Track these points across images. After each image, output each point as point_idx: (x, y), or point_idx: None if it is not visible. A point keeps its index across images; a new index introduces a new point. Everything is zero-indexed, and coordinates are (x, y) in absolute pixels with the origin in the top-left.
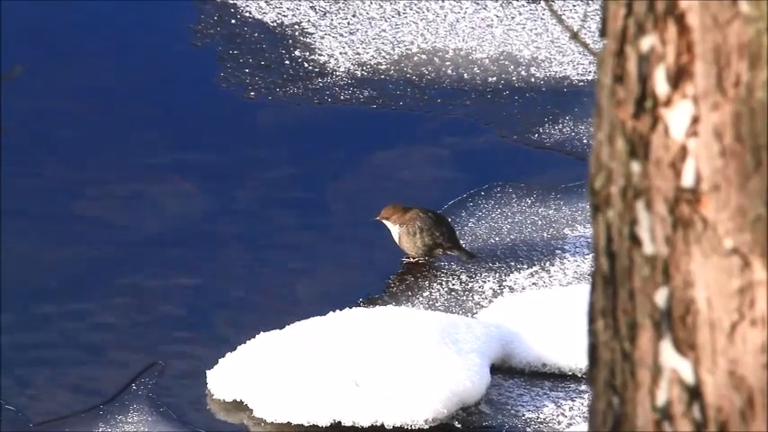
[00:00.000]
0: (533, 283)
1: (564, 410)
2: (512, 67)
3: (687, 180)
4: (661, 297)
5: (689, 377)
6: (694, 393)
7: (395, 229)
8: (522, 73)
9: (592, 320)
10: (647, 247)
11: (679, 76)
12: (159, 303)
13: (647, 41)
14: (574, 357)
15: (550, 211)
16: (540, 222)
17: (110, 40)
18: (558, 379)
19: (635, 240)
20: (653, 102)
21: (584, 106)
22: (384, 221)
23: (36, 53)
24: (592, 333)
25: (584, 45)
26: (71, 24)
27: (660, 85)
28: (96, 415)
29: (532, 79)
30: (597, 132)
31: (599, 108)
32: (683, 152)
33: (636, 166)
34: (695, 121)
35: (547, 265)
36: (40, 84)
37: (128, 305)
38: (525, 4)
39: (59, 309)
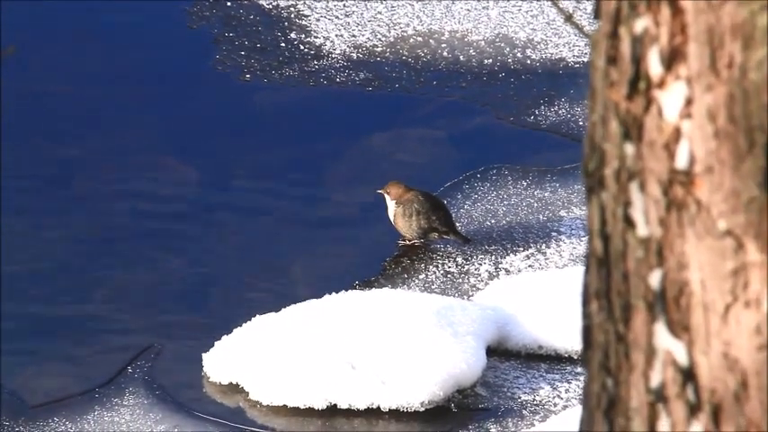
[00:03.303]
0: (529, 266)
1: (560, 392)
2: (507, 48)
3: (681, 162)
4: (655, 279)
5: (683, 359)
6: (688, 375)
7: (391, 206)
8: (518, 55)
9: (586, 302)
10: (641, 229)
11: (672, 58)
12: (155, 286)
13: (641, 23)
14: (570, 339)
15: (546, 194)
16: (535, 204)
17: (106, 23)
18: (554, 361)
19: (629, 222)
20: (646, 83)
21: (580, 88)
22: (385, 195)
23: (32, 36)
24: (586, 315)
25: (579, 27)
26: (67, 7)
27: (654, 66)
28: (92, 397)
29: (528, 61)
30: (591, 114)
31: (593, 90)
32: (677, 134)
33: (629, 148)
34: (689, 102)
35: (543, 247)
36: (35, 66)
37: (123, 288)
38: None
39: (55, 291)
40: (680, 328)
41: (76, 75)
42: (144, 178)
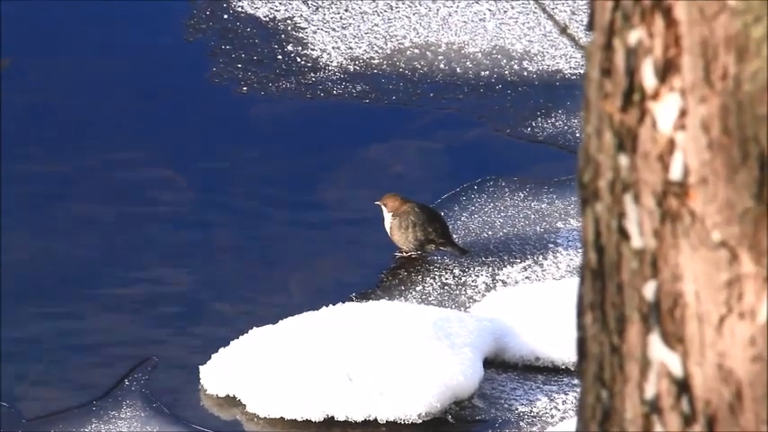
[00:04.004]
0: (526, 277)
1: (557, 404)
2: (504, 60)
3: (675, 173)
4: (649, 290)
5: (677, 370)
6: (683, 386)
7: (388, 219)
8: (515, 67)
9: (580, 314)
10: (636, 241)
11: (666, 70)
12: (152, 299)
13: (635, 35)
14: (567, 351)
15: (543, 205)
16: (532, 216)
17: (102, 35)
18: (551, 373)
19: (623, 234)
20: (640, 95)
21: (577, 100)
22: (382, 206)
23: (29, 48)
24: (580, 327)
25: (574, 39)
26: (64, 20)
27: (648, 78)
28: (89, 411)
29: (525, 73)
30: (585, 126)
31: (587, 101)
32: (671, 145)
33: (624, 160)
34: (683, 114)
35: (540, 258)
36: (32, 79)
37: (120, 301)
38: None
39: (52, 304)
40: (674, 339)
41: (74, 87)
42: (142, 190)
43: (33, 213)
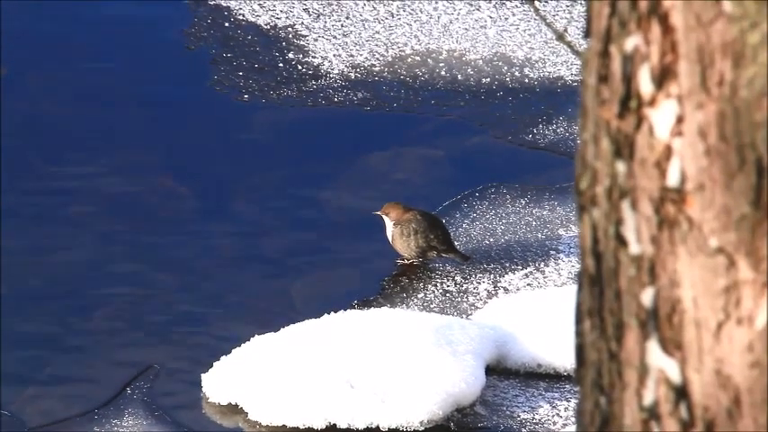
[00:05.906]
0: (528, 284)
1: (559, 411)
2: (505, 67)
3: (672, 180)
4: (647, 297)
5: (675, 377)
6: (681, 393)
7: (389, 228)
8: (516, 74)
9: (579, 321)
10: (633, 247)
11: (663, 76)
12: (153, 306)
13: (631, 41)
14: (569, 358)
15: (545, 212)
16: (534, 223)
17: (103, 43)
18: (553, 379)
19: (621, 240)
20: (637, 101)
21: (578, 107)
22: (383, 216)
23: (31, 57)
24: (579, 333)
25: (570, 45)
26: (65, 28)
27: (644, 84)
28: (91, 418)
29: (526, 80)
30: (582, 132)
31: (584, 108)
32: (668, 152)
33: (621, 166)
34: (680, 120)
35: (541, 265)
36: (34, 87)
37: (122, 308)
38: (519, 5)
39: (53, 311)
40: (672, 345)
41: (74, 95)
42: (140, 198)
43: (33, 221)
